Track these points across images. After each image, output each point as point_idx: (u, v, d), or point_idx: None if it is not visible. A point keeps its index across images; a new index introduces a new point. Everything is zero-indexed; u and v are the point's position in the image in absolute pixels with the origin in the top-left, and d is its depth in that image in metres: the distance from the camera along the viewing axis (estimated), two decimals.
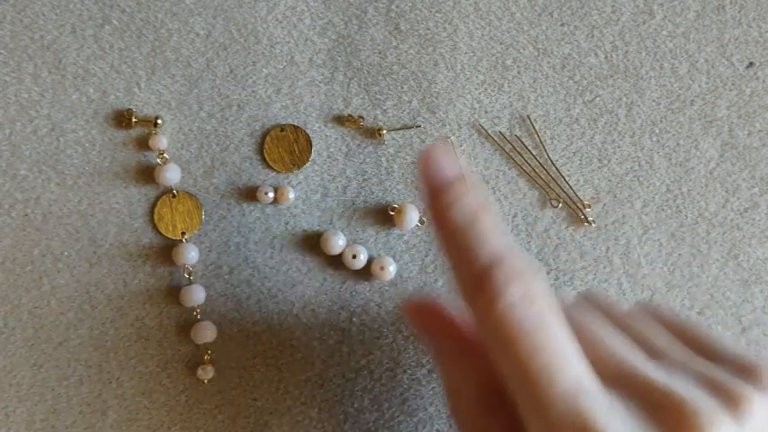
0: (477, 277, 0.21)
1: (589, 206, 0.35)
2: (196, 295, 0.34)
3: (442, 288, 0.35)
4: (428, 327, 0.27)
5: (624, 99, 0.35)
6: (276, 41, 0.35)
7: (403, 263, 0.35)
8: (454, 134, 0.35)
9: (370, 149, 0.35)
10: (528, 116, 0.35)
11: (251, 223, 0.35)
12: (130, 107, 0.35)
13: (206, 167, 0.35)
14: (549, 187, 0.35)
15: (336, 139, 0.35)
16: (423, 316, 0.27)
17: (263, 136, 0.35)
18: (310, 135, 0.35)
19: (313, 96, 0.35)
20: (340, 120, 0.35)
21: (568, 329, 0.21)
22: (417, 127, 0.35)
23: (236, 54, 0.35)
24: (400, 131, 0.35)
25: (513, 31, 0.35)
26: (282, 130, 0.35)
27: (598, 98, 0.35)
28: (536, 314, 0.21)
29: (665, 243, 0.35)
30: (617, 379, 0.21)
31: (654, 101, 0.36)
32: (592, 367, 0.21)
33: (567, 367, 0.20)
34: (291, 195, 0.35)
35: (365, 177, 0.35)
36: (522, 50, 0.35)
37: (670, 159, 0.35)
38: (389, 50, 0.35)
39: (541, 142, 0.35)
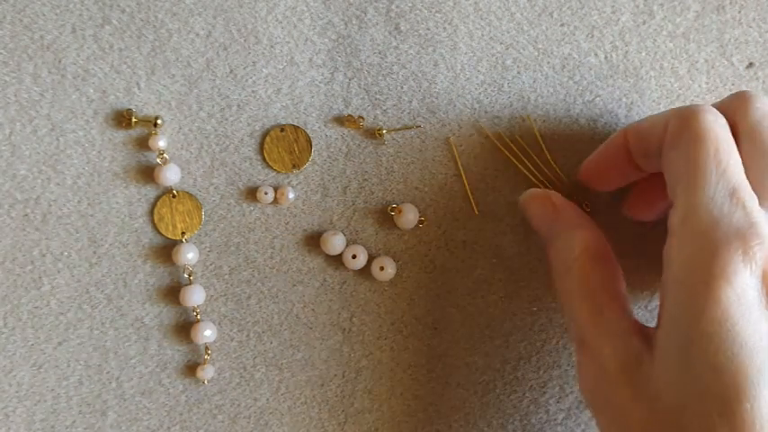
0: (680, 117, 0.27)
1: (588, 206, 0.35)
2: (196, 295, 0.34)
3: (442, 288, 0.35)
4: (544, 213, 0.32)
5: (624, 99, 0.35)
6: (276, 41, 0.35)
7: (403, 263, 0.35)
8: (454, 134, 0.35)
9: (370, 149, 0.35)
10: (528, 116, 0.35)
11: (251, 223, 0.35)
12: (130, 107, 0.35)
13: (206, 167, 0.35)
14: (549, 188, 0.35)
15: (336, 139, 0.35)
16: (541, 203, 0.32)
17: (263, 136, 0.35)
18: (310, 135, 0.35)
19: (313, 96, 0.35)
20: (340, 120, 0.35)
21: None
22: (417, 127, 0.35)
23: (236, 54, 0.35)
24: (400, 131, 0.35)
25: (513, 31, 0.35)
26: (282, 130, 0.35)
27: (598, 98, 0.35)
28: (725, 132, 0.27)
29: None
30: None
31: (654, 101, 0.36)
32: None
33: (736, 170, 0.26)
34: (291, 195, 0.35)
35: (365, 177, 0.35)
36: (522, 51, 0.35)
37: None
38: (389, 50, 0.35)
39: (541, 143, 0.35)
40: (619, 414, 0.27)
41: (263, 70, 0.35)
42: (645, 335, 0.27)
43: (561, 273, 0.30)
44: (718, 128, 0.26)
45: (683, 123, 0.27)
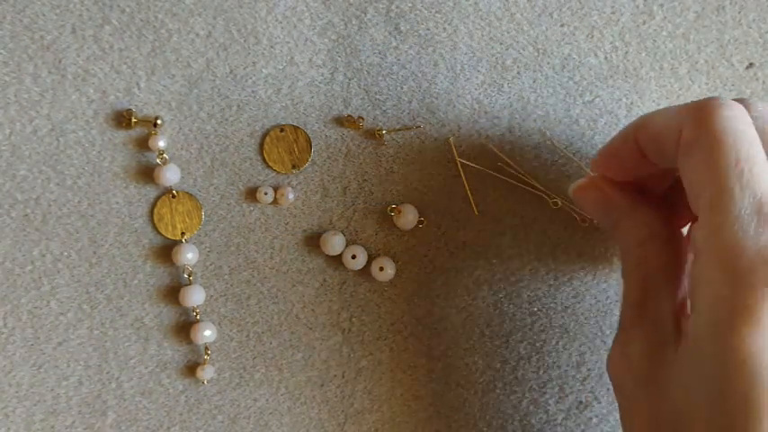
0: (697, 109, 0.25)
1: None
2: (196, 295, 0.34)
3: (442, 288, 0.35)
4: (596, 201, 0.31)
5: (624, 99, 0.35)
6: (276, 41, 0.35)
7: (402, 263, 0.35)
8: (454, 134, 0.35)
9: (370, 150, 0.35)
10: (549, 136, 0.35)
11: (251, 223, 0.35)
12: (130, 107, 0.35)
13: (206, 167, 0.35)
14: (548, 189, 0.35)
15: (336, 139, 0.35)
16: (588, 192, 0.31)
17: (263, 136, 0.35)
18: (310, 135, 0.35)
19: (313, 97, 0.35)
20: (340, 120, 0.35)
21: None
22: (417, 128, 0.35)
23: (236, 54, 0.35)
24: (400, 132, 0.35)
25: (512, 31, 0.35)
26: (282, 130, 0.35)
27: (598, 99, 0.35)
28: (747, 130, 0.24)
29: None
30: None
31: (654, 101, 0.36)
32: None
33: (762, 177, 0.23)
34: (291, 196, 0.35)
35: (365, 178, 0.35)
36: (521, 51, 0.35)
37: None
38: (389, 51, 0.35)
39: (563, 152, 0.35)
40: (631, 402, 0.27)
41: (263, 70, 0.35)
42: (680, 325, 0.27)
43: (623, 257, 0.30)
44: (738, 126, 0.24)
45: (699, 125, 0.24)
